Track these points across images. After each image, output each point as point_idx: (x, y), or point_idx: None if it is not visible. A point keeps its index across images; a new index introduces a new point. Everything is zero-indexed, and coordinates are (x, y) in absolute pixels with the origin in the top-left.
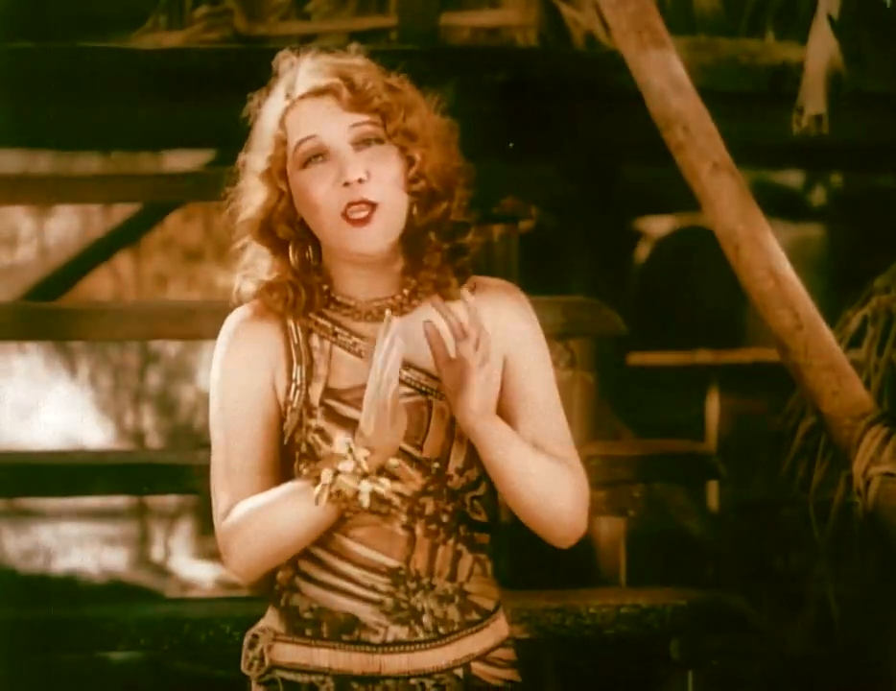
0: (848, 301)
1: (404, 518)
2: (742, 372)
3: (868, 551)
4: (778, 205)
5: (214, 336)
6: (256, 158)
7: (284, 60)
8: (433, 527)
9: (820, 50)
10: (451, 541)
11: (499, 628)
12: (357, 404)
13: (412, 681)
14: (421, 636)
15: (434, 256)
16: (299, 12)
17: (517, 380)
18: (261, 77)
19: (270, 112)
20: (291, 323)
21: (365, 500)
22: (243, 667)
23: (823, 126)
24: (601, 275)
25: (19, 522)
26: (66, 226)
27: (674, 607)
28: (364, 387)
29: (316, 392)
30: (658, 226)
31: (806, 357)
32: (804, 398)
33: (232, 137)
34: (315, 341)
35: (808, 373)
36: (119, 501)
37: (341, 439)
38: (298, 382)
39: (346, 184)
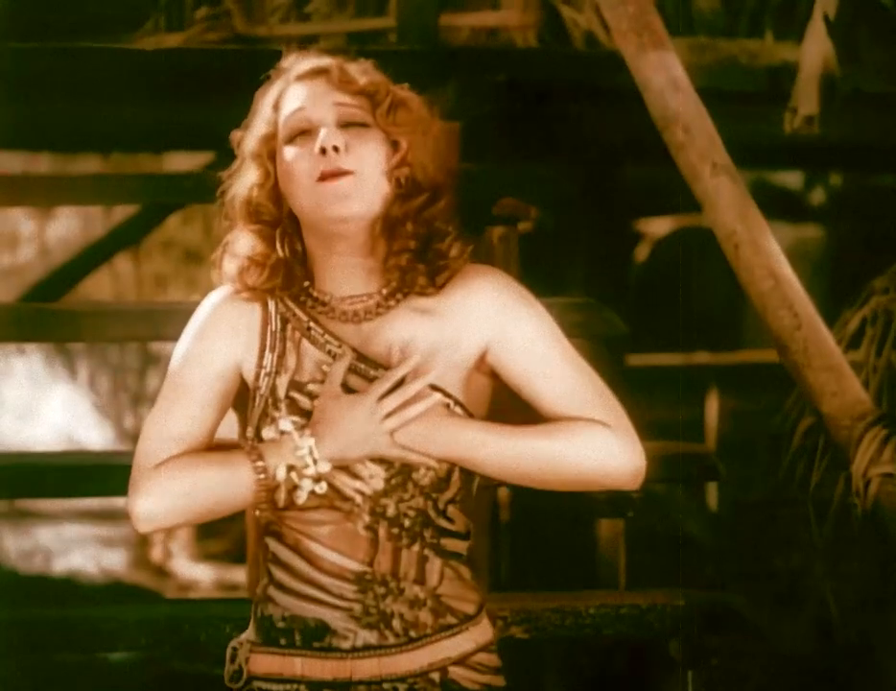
0: (847, 302)
1: (367, 519)
2: (741, 373)
3: (867, 551)
4: (778, 206)
5: None
6: (249, 139)
7: (290, 56)
8: (395, 530)
9: (815, 50)
10: (415, 547)
11: (481, 632)
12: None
13: (385, 686)
14: (391, 641)
15: (405, 243)
16: (299, 14)
17: (518, 362)
18: (261, 78)
19: (267, 97)
20: (272, 309)
21: (303, 497)
22: (225, 680)
23: (814, 126)
24: (600, 276)
25: (19, 523)
26: (66, 228)
27: (674, 607)
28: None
29: (283, 383)
30: (658, 226)
31: (805, 357)
32: (803, 398)
33: None
34: (289, 331)
35: (807, 373)
36: (119, 502)
37: (294, 432)
38: (268, 369)
39: (323, 152)
